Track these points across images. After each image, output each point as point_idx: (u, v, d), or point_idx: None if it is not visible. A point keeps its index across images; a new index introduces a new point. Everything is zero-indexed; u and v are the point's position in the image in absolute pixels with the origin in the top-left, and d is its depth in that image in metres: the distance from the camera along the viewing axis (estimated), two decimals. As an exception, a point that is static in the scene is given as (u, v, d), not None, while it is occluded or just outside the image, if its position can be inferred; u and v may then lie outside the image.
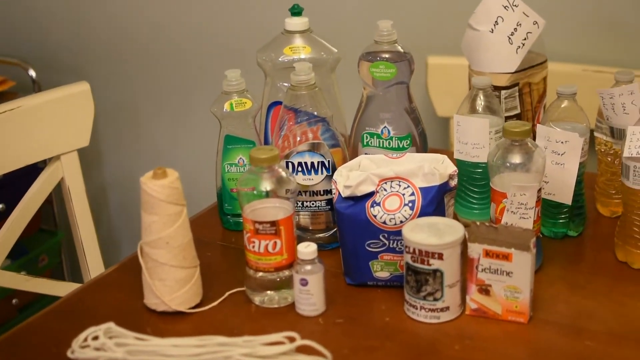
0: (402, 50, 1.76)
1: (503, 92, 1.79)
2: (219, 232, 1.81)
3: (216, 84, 1.79)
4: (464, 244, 1.45)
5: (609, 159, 1.77)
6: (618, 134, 1.73)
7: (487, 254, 1.44)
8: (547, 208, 1.68)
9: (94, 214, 2.18)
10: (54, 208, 2.90)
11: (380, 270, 1.56)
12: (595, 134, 1.78)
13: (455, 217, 1.69)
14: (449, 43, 2.22)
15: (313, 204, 1.66)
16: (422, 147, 1.79)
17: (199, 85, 2.71)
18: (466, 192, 1.74)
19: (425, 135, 1.80)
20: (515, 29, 1.78)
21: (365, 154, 1.77)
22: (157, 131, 2.85)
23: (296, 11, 1.81)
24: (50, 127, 2.07)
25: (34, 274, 2.74)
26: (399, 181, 1.54)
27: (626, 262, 1.63)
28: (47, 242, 2.87)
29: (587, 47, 2.17)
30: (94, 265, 2.16)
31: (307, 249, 1.47)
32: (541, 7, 1.82)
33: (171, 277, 1.49)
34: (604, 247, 1.69)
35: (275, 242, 1.49)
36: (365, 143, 1.79)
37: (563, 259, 1.66)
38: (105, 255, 2.22)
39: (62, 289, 2.11)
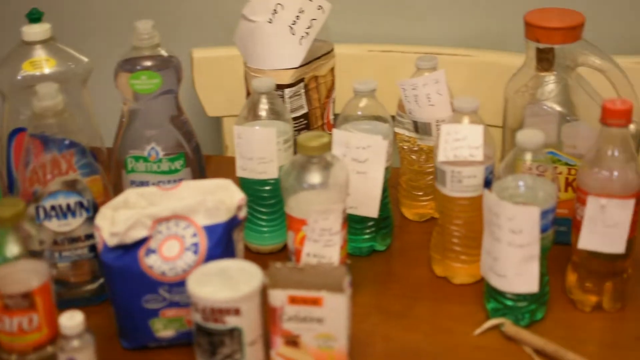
0: (166, 55, 1.48)
1: (287, 91, 1.54)
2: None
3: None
4: (263, 291, 1.20)
5: (414, 157, 1.55)
6: (423, 129, 1.51)
7: (293, 300, 1.19)
8: (350, 224, 1.44)
9: None
10: None
11: (164, 329, 1.29)
12: (396, 129, 1.55)
13: (245, 245, 1.44)
14: (219, 32, 1.96)
15: (73, 252, 1.37)
16: (198, 165, 1.52)
17: None
18: (254, 214, 1.49)
19: (199, 150, 1.53)
20: (298, 17, 1.53)
21: (131, 181, 1.49)
22: None
23: (35, 17, 1.50)
24: None
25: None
26: (177, 220, 1.26)
27: (446, 277, 1.44)
28: None
29: (369, 24, 1.95)
30: None
31: (72, 322, 1.17)
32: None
33: None
34: (418, 261, 1.49)
35: (31, 318, 1.19)
36: (129, 169, 1.50)
37: (374, 281, 1.45)
38: None
39: None
